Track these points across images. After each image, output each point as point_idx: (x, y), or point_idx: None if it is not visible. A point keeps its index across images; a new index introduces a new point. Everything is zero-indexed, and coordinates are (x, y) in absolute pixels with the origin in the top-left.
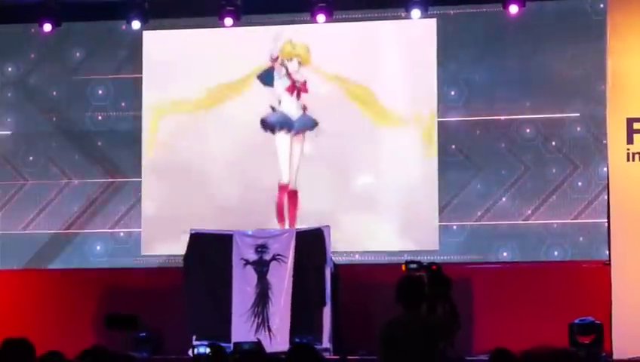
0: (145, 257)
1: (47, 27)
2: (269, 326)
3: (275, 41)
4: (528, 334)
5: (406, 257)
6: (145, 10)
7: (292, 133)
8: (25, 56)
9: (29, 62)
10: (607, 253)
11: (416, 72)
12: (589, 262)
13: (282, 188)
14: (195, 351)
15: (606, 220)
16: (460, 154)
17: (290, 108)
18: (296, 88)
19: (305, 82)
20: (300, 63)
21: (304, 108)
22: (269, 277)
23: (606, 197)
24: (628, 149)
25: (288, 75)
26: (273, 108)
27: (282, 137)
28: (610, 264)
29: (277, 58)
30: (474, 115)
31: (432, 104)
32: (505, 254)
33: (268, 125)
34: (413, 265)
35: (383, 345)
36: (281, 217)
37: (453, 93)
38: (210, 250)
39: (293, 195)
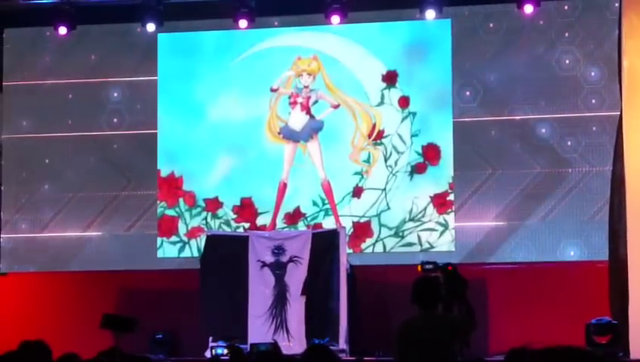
0: (161, 259)
1: (63, 30)
2: (287, 328)
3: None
4: (544, 334)
5: (422, 258)
6: (160, 12)
7: (301, 143)
8: (40, 60)
9: (44, 65)
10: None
11: (431, 72)
12: (604, 262)
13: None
14: (214, 351)
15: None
16: (476, 155)
17: (298, 119)
18: (300, 104)
19: (309, 98)
20: (310, 75)
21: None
22: (287, 279)
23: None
24: None
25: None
26: (285, 123)
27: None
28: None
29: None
30: (489, 116)
31: (447, 104)
32: (521, 254)
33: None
34: (429, 266)
35: (399, 345)
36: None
37: (468, 93)
38: (226, 251)
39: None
